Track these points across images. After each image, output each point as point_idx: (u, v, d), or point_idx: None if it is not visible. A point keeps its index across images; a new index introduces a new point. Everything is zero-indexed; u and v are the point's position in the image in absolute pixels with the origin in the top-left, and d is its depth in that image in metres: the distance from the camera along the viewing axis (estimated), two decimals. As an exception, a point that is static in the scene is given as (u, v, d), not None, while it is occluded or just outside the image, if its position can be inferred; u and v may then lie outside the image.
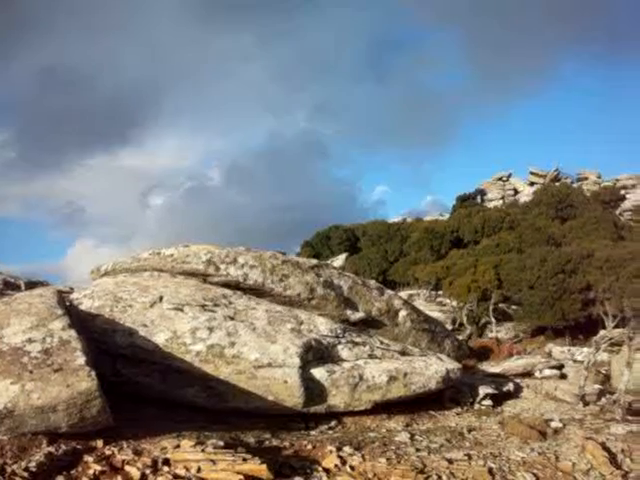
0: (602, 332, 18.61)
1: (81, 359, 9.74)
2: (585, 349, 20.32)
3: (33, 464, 8.30)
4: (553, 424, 13.90)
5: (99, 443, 9.42)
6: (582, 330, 25.51)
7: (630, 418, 14.52)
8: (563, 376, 18.80)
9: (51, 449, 8.85)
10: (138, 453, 9.26)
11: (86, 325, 12.66)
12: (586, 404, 16.06)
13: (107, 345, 12.77)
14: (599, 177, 68.67)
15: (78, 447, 9.18)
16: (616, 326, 16.97)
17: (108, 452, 9.22)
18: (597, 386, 17.12)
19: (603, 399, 16.49)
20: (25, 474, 8.06)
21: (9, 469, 8.16)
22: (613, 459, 11.48)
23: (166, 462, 8.99)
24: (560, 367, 19.49)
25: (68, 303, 13.83)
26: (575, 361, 20.07)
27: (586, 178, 68.57)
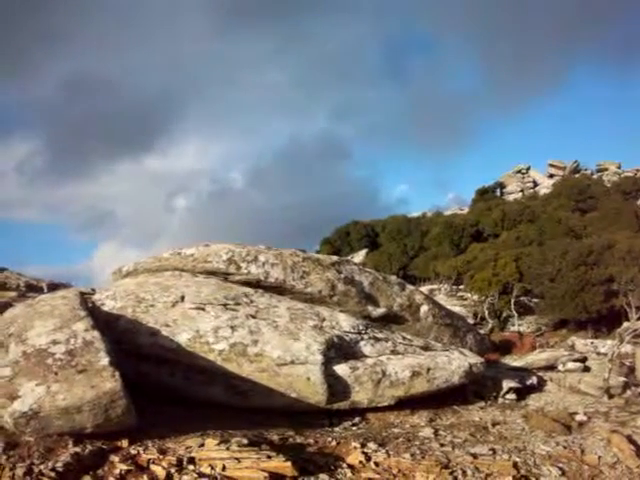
0: (626, 324, 18.48)
1: (105, 360, 9.80)
2: (608, 341, 20.20)
3: (60, 464, 8.36)
4: (578, 417, 13.83)
5: (124, 443, 9.47)
6: (605, 322, 25.32)
7: (656, 410, 14.44)
8: (587, 369, 18.69)
9: (77, 449, 8.91)
10: (163, 452, 9.30)
11: (109, 326, 12.73)
12: (611, 397, 15.96)
13: (130, 345, 12.82)
14: (619, 167, 68.22)
15: (104, 447, 9.24)
16: (639, 318, 16.85)
17: (133, 452, 9.27)
18: (621, 378, 17.01)
19: (628, 391, 16.40)
20: (52, 474, 8.12)
21: (36, 469, 8.22)
22: (639, 452, 11.42)
23: (191, 461, 9.02)
24: (583, 360, 19.38)
25: (90, 304, 13.91)
26: (598, 354, 19.96)
27: (606, 169, 68.12)
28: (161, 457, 9.09)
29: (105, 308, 14.09)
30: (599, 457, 11.11)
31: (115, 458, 8.97)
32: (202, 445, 9.59)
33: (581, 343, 21.92)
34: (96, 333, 10.57)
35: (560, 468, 10.45)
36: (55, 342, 10.16)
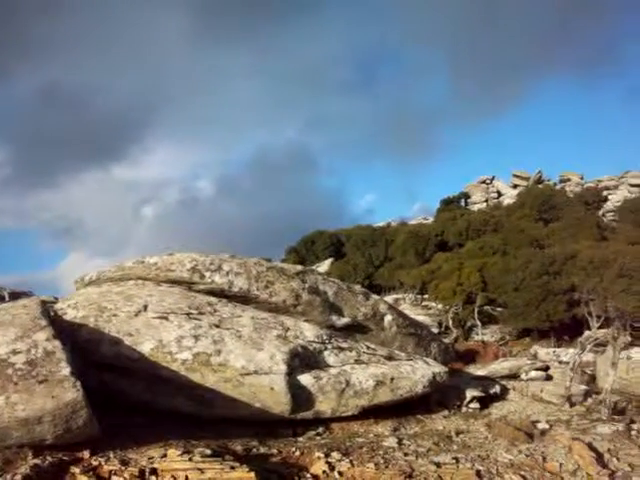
0: (587, 333, 18.66)
1: (66, 370, 9.69)
2: (570, 350, 20.38)
3: (19, 477, 8.25)
4: (540, 425, 13.96)
5: (86, 454, 9.37)
6: (567, 331, 25.56)
7: (616, 418, 14.60)
8: (549, 377, 18.86)
9: (37, 461, 8.79)
10: (125, 463, 9.21)
11: (71, 335, 12.57)
12: (572, 405, 16.13)
13: (92, 355, 12.68)
14: (582, 178, 69.13)
15: (64, 458, 9.13)
16: (601, 327, 17.03)
17: (95, 463, 9.18)
18: (583, 387, 17.20)
19: (589, 399, 16.58)
20: (11, 487, 8.01)
21: (-6, 482, 8.10)
22: (600, 459, 11.56)
23: (153, 472, 8.95)
24: (546, 369, 19.56)
25: (52, 314, 13.75)
26: (561, 362, 20.14)
27: (569, 179, 68.99)
28: (123, 468, 9.01)
29: (67, 317, 13.92)
30: (560, 464, 11.23)
31: (76, 470, 8.87)
32: (165, 456, 9.52)
33: (544, 352, 22.11)
34: (57, 343, 10.44)
35: (522, 476, 10.55)
36: (15, 352, 10.02)
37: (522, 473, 10.67)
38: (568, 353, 20.13)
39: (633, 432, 13.46)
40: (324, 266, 45.63)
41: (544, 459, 11.49)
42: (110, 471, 8.92)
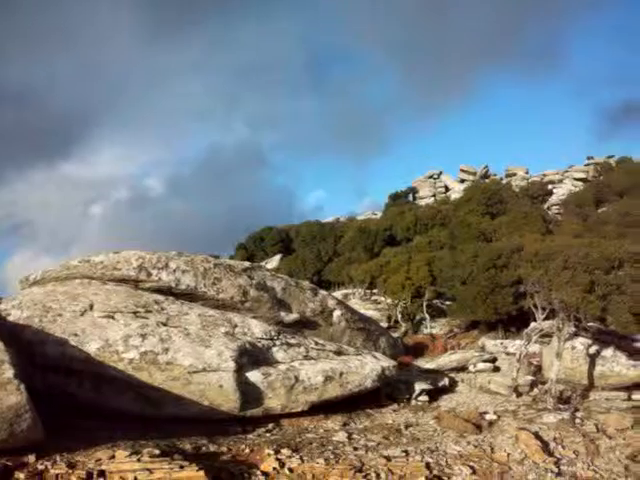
0: (533, 324, 18.89)
1: (9, 372, 9.50)
2: (517, 341, 20.62)
3: (-41, 483, 8.07)
4: (488, 417, 14.14)
5: (31, 458, 9.20)
6: (514, 323, 25.79)
7: (561, 407, 14.86)
8: (496, 369, 19.09)
9: (-20, 466, 8.61)
10: (72, 466, 9.08)
11: (15, 337, 12.35)
12: (519, 395, 16.36)
13: (37, 356, 12.49)
14: (527, 173, 70.06)
15: (8, 464, 8.94)
16: (546, 318, 17.27)
17: (41, 467, 9.02)
18: (529, 377, 17.44)
19: (535, 389, 16.83)
20: (-48, 494, 7.83)
21: None
22: (546, 447, 11.78)
23: (101, 474, 8.86)
24: (493, 360, 19.78)
25: (-5, 315, 13.51)
26: (508, 354, 20.36)
27: (514, 174, 69.86)
28: (70, 472, 8.88)
29: (11, 318, 13.69)
30: (508, 454, 11.42)
31: (21, 475, 8.72)
32: (113, 457, 9.42)
33: (491, 344, 22.33)
34: (0, 345, 10.24)
35: (471, 467, 10.68)
36: (-44, 355, 9.81)
37: (471, 464, 10.81)
38: (515, 344, 20.36)
39: (577, 420, 13.74)
40: (273, 262, 45.51)
41: (492, 449, 11.67)
42: (57, 475, 8.79)
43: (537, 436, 12.23)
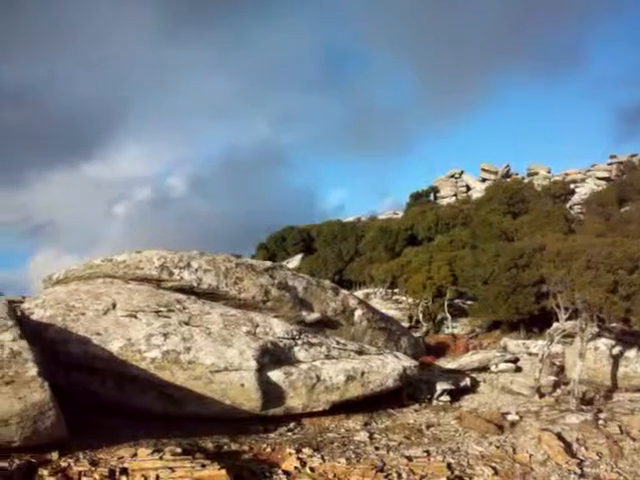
0: (555, 324, 18.79)
1: (33, 370, 9.57)
2: (539, 342, 20.52)
3: (-15, 480, 8.14)
4: (510, 417, 14.06)
5: (54, 455, 9.26)
6: (536, 323, 25.68)
7: (584, 408, 14.75)
8: (518, 369, 19.00)
9: (4, 464, 8.66)
10: (95, 464, 9.13)
11: (38, 335, 12.45)
12: (541, 396, 16.26)
13: (60, 355, 12.56)
14: (549, 172, 69.69)
15: (32, 461, 9.00)
16: (569, 318, 17.17)
17: (64, 464, 9.07)
18: (552, 378, 17.35)
19: (558, 390, 16.73)
20: (-23, 491, 7.90)
21: (-40, 486, 7.99)
22: (568, 448, 11.68)
23: (124, 471, 8.87)
24: (515, 360, 19.69)
25: (19, 313, 13.61)
26: (530, 354, 20.27)
27: (536, 173, 69.51)
28: (93, 469, 8.92)
29: (34, 317, 13.78)
30: (530, 455, 11.34)
31: (44, 472, 8.76)
32: (135, 455, 9.46)
33: (513, 344, 22.23)
34: (24, 343, 10.32)
35: (493, 467, 10.61)
36: (-19, 353, 9.89)
37: (493, 464, 10.74)
38: (537, 345, 20.27)
39: (601, 421, 13.62)
40: (294, 262, 45.57)
41: (514, 450, 11.59)
42: (79, 472, 8.83)
43: (560, 437, 12.14)
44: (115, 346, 12.67)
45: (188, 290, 15.70)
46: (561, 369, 18.47)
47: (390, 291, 36.21)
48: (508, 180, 62.35)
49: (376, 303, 29.67)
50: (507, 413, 14.43)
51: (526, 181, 62.89)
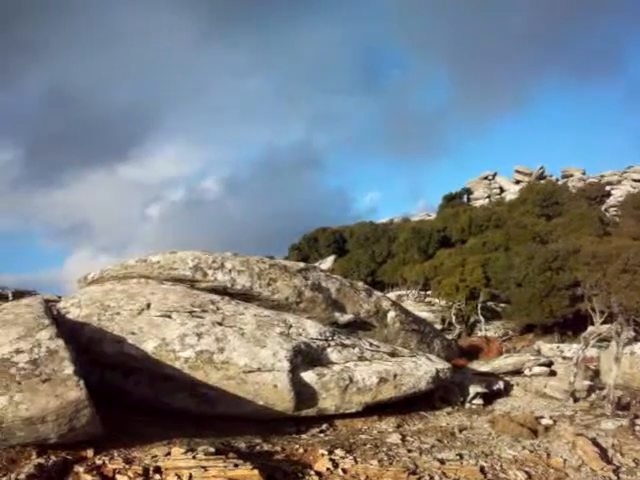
0: (590, 328, 18.67)
1: (69, 369, 9.67)
2: (574, 345, 20.36)
3: (23, 476, 8.24)
4: (544, 421, 13.94)
5: (89, 453, 9.36)
6: (570, 326, 25.54)
7: (620, 413, 14.58)
8: (552, 373, 18.83)
9: (41, 460, 8.79)
10: (129, 462, 9.21)
11: (74, 334, 12.58)
12: (576, 400, 16.10)
13: (95, 354, 12.69)
14: (584, 174, 68.98)
15: (68, 457, 9.12)
16: (604, 322, 17.03)
17: (99, 462, 9.16)
18: (587, 382, 17.17)
19: (593, 395, 16.54)
20: (15, 486, 8.02)
21: (-2, 482, 8.11)
22: (604, 454, 11.53)
23: (157, 470, 8.94)
24: (549, 364, 19.51)
25: (55, 312, 13.76)
26: (564, 358, 20.10)
27: (571, 175, 68.86)
28: (127, 467, 9.00)
29: (70, 316, 13.94)
30: (564, 460, 11.22)
31: (80, 469, 8.86)
32: (168, 454, 9.52)
33: (547, 347, 22.08)
34: (60, 342, 10.43)
35: (526, 472, 10.53)
36: (18, 351, 10.01)
37: (526, 469, 10.66)
38: (572, 348, 20.11)
39: (637, 427, 13.44)
40: (327, 263, 45.63)
41: (548, 455, 11.49)
42: (114, 470, 8.92)
43: (595, 443, 12.00)
44: (149, 346, 12.78)
45: (222, 291, 15.78)
46: (596, 373, 18.29)
47: (423, 293, 36.15)
48: (542, 182, 61.82)
49: (408, 305, 29.59)
50: (541, 417, 14.31)
51: (560, 183, 62.40)
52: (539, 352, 21.86)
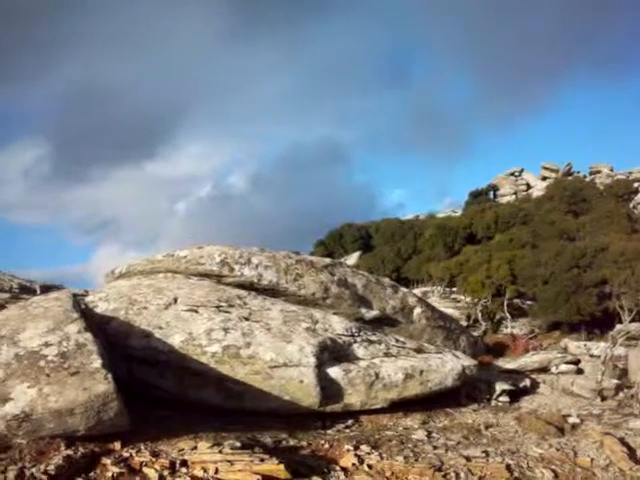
0: (618, 326, 18.49)
1: (97, 362, 9.77)
2: (601, 344, 20.19)
3: (52, 467, 8.33)
4: (571, 420, 13.84)
5: (117, 445, 9.45)
6: (598, 324, 25.31)
7: (648, 412, 14.46)
8: (580, 371, 18.72)
9: (69, 452, 8.88)
10: (156, 455, 9.28)
11: (101, 328, 12.70)
12: (604, 399, 15.98)
13: (122, 347, 12.78)
14: (612, 170, 68.28)
15: (96, 450, 9.21)
16: (632, 320, 16.88)
17: (126, 454, 9.25)
18: (614, 381, 17.03)
19: (621, 394, 16.41)
20: (44, 477, 8.09)
21: (28, 472, 8.19)
22: (632, 454, 11.41)
23: (184, 464, 9.00)
24: (576, 362, 19.39)
25: (83, 306, 13.88)
26: (592, 356, 19.96)
27: (599, 171, 68.20)
28: (154, 460, 9.07)
29: (98, 310, 14.06)
30: (592, 459, 11.12)
31: (107, 461, 8.94)
32: (195, 448, 9.58)
33: (574, 345, 21.92)
34: (89, 335, 10.53)
35: (553, 470, 10.45)
36: (47, 344, 10.12)
37: (553, 467, 10.59)
38: (599, 347, 19.95)
39: (666, 427, 13.32)
40: (352, 259, 45.53)
41: (575, 454, 11.39)
42: (141, 462, 8.99)
43: (623, 442, 11.88)
44: (176, 340, 12.85)
45: (248, 286, 15.83)
46: (624, 372, 18.14)
47: (448, 290, 36.00)
48: (569, 178, 61.33)
49: (434, 301, 29.50)
50: (568, 415, 14.21)
51: (588, 179, 61.87)
52: (566, 350, 21.71)
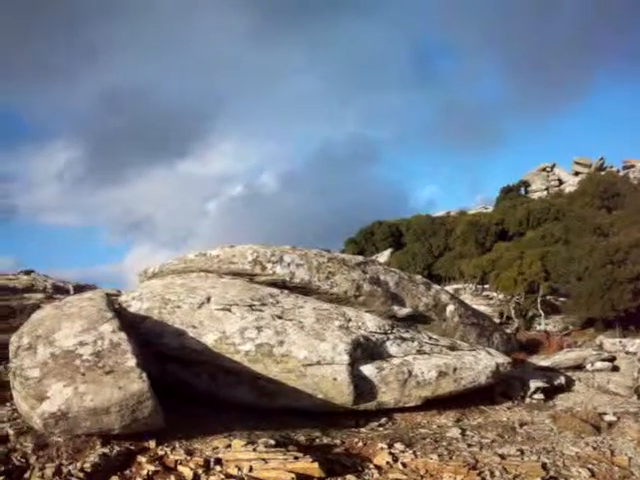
0: (654, 323, 18.26)
1: (132, 361, 9.85)
2: (637, 340, 19.95)
3: (88, 465, 8.43)
4: (607, 418, 13.69)
5: (152, 444, 9.52)
6: (633, 321, 25.02)
7: (686, 410, 14.27)
8: (615, 368, 18.49)
9: (105, 450, 8.97)
10: (190, 453, 9.33)
11: (135, 327, 12.80)
12: (640, 397, 15.81)
13: (156, 346, 12.88)
14: (646, 164, 67.41)
15: (131, 448, 9.30)
16: (668, 316, 16.65)
17: (161, 452, 9.32)
18: (651, 378, 16.83)
19: (657, 391, 16.21)
20: (81, 475, 8.19)
21: (65, 470, 8.29)
22: (670, 452, 11.28)
23: (218, 462, 9.05)
24: (612, 359, 19.17)
25: (117, 306, 13.99)
26: (627, 353, 19.72)
27: (632, 166, 67.28)
28: (188, 458, 9.12)
29: (131, 309, 14.15)
30: (629, 458, 10.99)
31: (142, 459, 9.02)
32: (229, 446, 9.62)
33: (609, 342, 21.67)
34: (123, 334, 10.63)
35: (590, 469, 10.33)
36: (82, 343, 10.24)
37: (589, 466, 10.47)
38: (635, 343, 19.71)
39: None
40: (383, 256, 45.39)
41: (612, 452, 11.27)
42: (176, 461, 9.05)
43: (660, 440, 11.77)
44: (210, 339, 12.91)
45: (281, 284, 15.84)
46: (660, 369, 17.92)
47: (480, 287, 35.79)
48: (602, 173, 60.63)
49: (466, 299, 29.32)
50: (604, 413, 14.05)
51: (621, 174, 61.11)
52: (601, 347, 21.48)
